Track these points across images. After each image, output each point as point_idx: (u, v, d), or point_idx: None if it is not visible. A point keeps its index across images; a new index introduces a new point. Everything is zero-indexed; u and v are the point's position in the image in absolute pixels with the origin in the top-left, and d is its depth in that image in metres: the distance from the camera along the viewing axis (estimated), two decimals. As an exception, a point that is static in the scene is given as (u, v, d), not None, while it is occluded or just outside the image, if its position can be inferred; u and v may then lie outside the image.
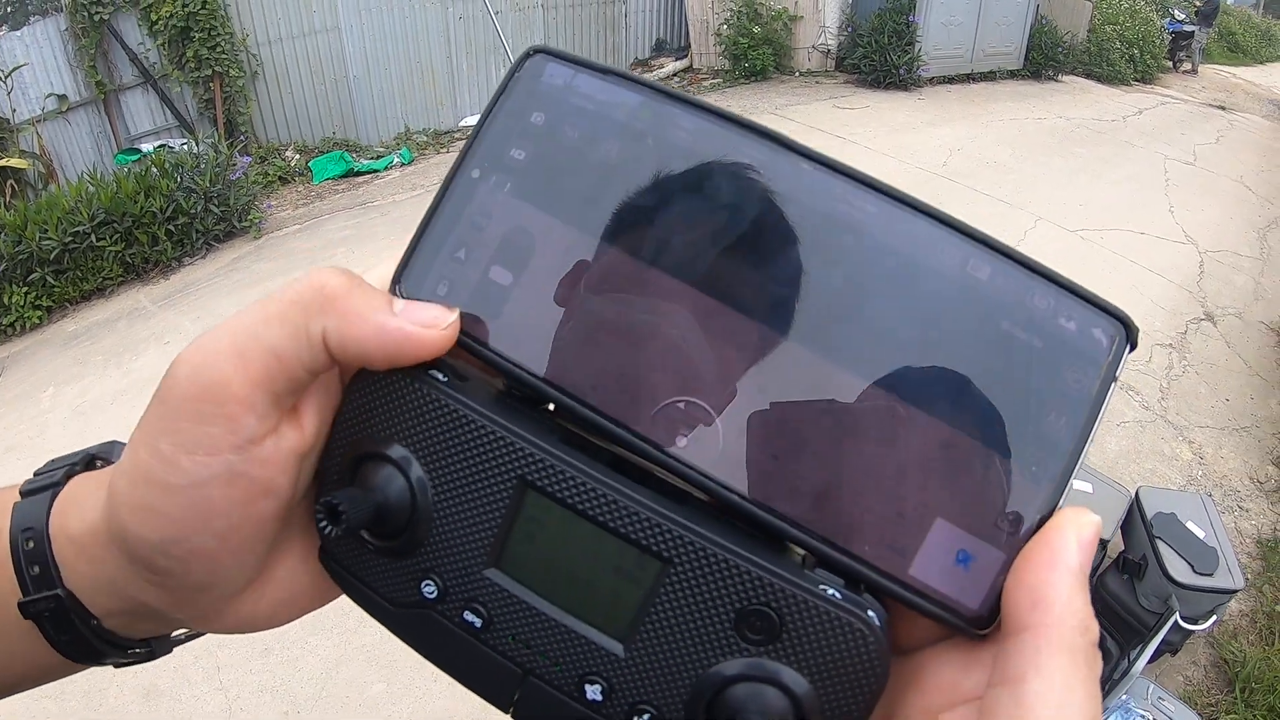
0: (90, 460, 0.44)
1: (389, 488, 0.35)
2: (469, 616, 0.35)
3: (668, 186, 0.35)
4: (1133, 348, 0.32)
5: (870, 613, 0.32)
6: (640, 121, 0.35)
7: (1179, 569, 3.10)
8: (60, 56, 7.26)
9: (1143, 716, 2.84)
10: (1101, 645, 3.04)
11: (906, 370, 0.32)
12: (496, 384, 0.39)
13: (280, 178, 8.07)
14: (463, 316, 0.36)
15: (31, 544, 0.38)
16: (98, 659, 0.41)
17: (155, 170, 6.39)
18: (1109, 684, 2.95)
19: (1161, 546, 3.18)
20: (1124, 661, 3.01)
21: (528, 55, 0.37)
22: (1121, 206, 6.85)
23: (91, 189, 6.12)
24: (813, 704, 0.31)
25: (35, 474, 0.43)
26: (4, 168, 6.74)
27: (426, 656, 0.37)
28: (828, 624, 0.31)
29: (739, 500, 0.33)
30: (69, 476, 0.42)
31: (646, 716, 0.33)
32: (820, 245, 0.33)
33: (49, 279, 5.95)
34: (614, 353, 0.34)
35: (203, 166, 6.55)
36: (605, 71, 0.36)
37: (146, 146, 7.57)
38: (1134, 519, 3.42)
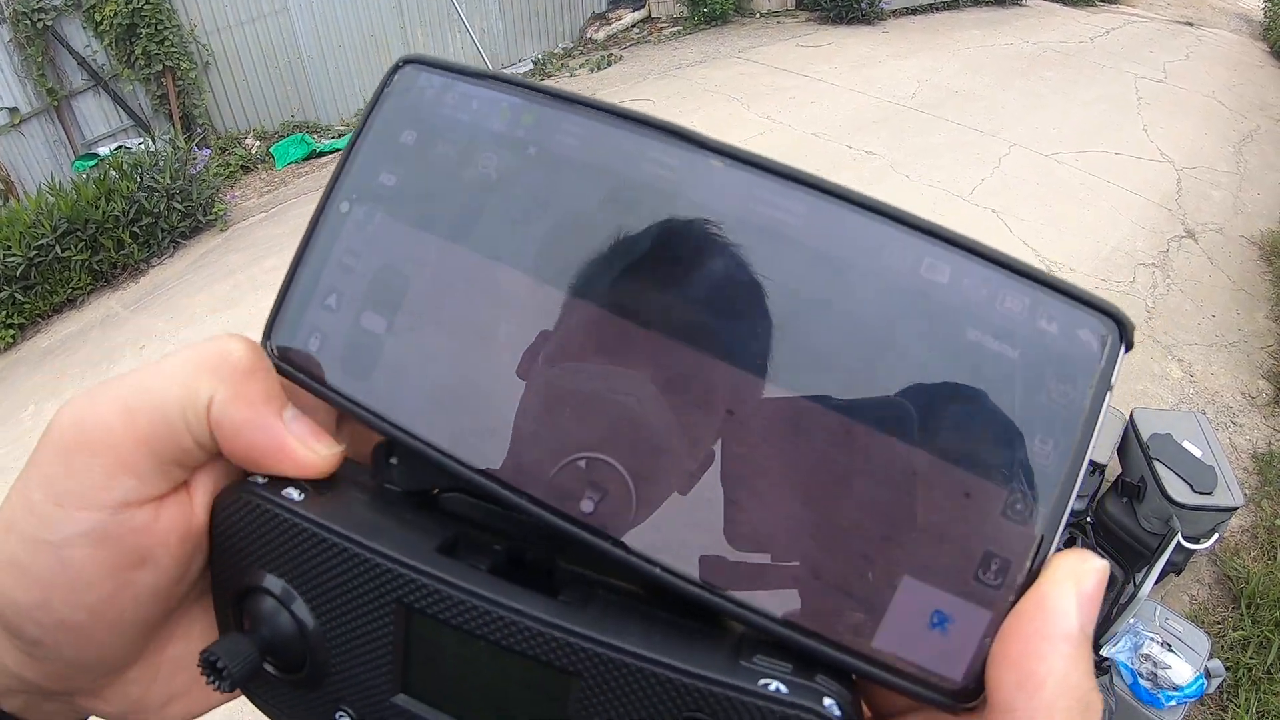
0: None
1: (274, 624, 0.32)
2: None
3: (558, 201, 0.30)
4: (1128, 348, 0.27)
5: (827, 701, 0.26)
6: (522, 129, 0.30)
7: (1178, 489, 3.11)
8: (6, 69, 7.04)
9: (1152, 639, 2.85)
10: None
11: (858, 398, 0.27)
12: (367, 481, 0.35)
13: (242, 167, 7.93)
14: (335, 368, 0.32)
15: None
16: None
17: (114, 173, 6.27)
18: (1116, 609, 2.96)
19: (1159, 467, 3.19)
20: (1130, 585, 3.02)
21: (397, 67, 0.33)
22: (1095, 128, 6.79)
23: (51, 199, 5.99)
24: None
25: None
26: (-41, 189, 6.60)
27: None
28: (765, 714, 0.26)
29: (659, 574, 0.28)
30: None
31: None
32: (745, 256, 0.28)
33: (17, 296, 5.85)
34: (501, 403, 0.30)
35: (161, 164, 6.43)
36: (482, 77, 0.32)
37: (104, 150, 7.40)
38: (1130, 441, 3.43)
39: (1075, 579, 0.25)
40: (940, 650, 0.26)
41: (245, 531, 0.32)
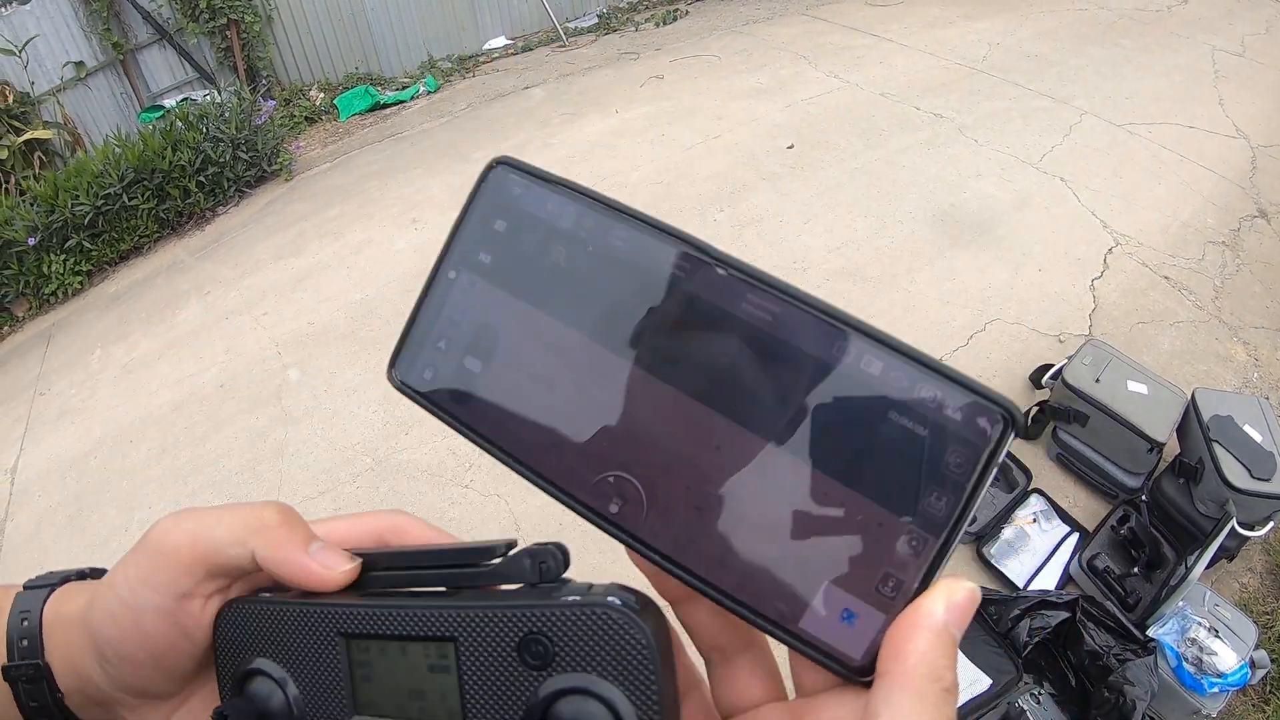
0: (83, 574, 0.55)
1: (267, 695, 0.45)
2: None
3: (607, 285, 0.40)
4: (1017, 434, 0.34)
5: (611, 599, 0.37)
6: (584, 231, 0.40)
7: (1236, 473, 3.06)
8: (73, 24, 7.17)
9: (1199, 623, 2.82)
10: (1158, 551, 3.04)
11: (805, 453, 0.36)
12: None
13: (307, 118, 8.04)
14: (443, 395, 0.43)
15: (26, 622, 0.50)
16: None
17: (180, 124, 6.40)
18: (1165, 590, 2.93)
19: (1218, 450, 3.14)
20: (1181, 568, 2.98)
21: (491, 167, 0.43)
22: (1169, 99, 6.54)
23: (118, 150, 6.15)
24: (609, 692, 0.37)
25: (35, 578, 0.54)
26: (30, 140, 6.75)
27: None
28: (578, 621, 0.37)
29: (656, 559, 0.38)
30: (65, 581, 0.53)
31: None
32: (732, 339, 0.38)
33: (85, 244, 6.04)
34: (562, 428, 0.40)
35: (227, 115, 6.55)
36: (556, 183, 0.42)
37: (169, 102, 7.54)
38: (1190, 421, 3.37)
39: (948, 592, 0.34)
40: (847, 637, 0.36)
41: (234, 626, 0.46)
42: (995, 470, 0.34)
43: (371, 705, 0.42)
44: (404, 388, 0.43)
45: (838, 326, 0.36)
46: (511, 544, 0.42)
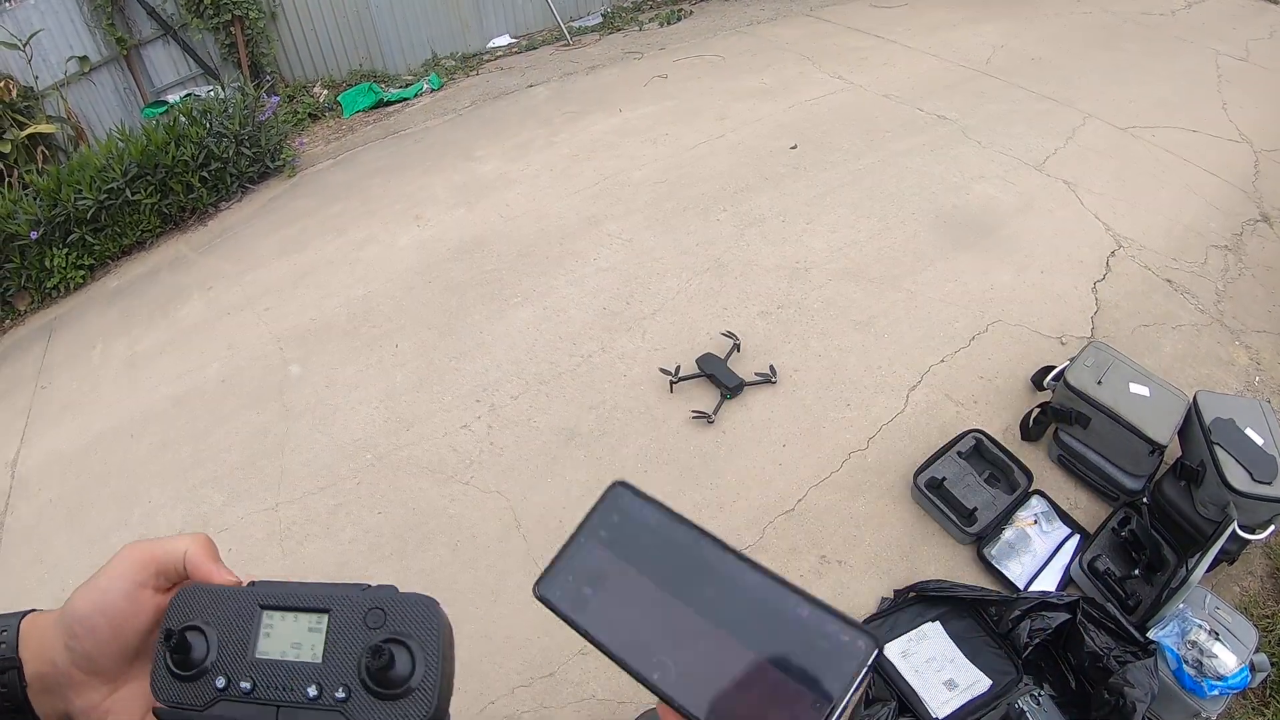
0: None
1: (195, 639, 0.67)
2: (244, 685, 0.66)
3: (673, 562, 0.61)
4: (880, 653, 0.53)
5: (425, 594, 0.67)
6: (667, 534, 0.62)
7: (1237, 476, 3.05)
8: (77, 19, 7.17)
9: (1200, 626, 2.82)
10: (1159, 553, 3.03)
11: (769, 656, 0.55)
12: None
13: (310, 114, 8.04)
14: (567, 606, 0.62)
15: (4, 631, 0.69)
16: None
17: (184, 119, 6.40)
18: (1166, 592, 2.93)
19: (1220, 453, 3.13)
20: (1181, 570, 2.97)
21: (613, 486, 0.65)
22: (1172, 104, 6.54)
23: (122, 145, 6.14)
24: (411, 644, 0.64)
25: (7, 611, 0.72)
26: (33, 134, 6.74)
27: None
28: (404, 603, 0.66)
29: (681, 709, 0.55)
30: (32, 611, 0.72)
31: (341, 689, 0.64)
32: (738, 594, 0.58)
33: (88, 238, 6.04)
34: (635, 632, 0.60)
35: (231, 111, 6.54)
36: (651, 501, 0.64)
37: (173, 97, 7.55)
38: (1191, 424, 3.37)
39: None
40: None
41: (184, 600, 0.69)
42: (870, 668, 0.54)
43: (265, 652, 0.66)
44: (543, 599, 0.63)
45: (787, 591, 0.57)
46: (369, 584, 0.69)
